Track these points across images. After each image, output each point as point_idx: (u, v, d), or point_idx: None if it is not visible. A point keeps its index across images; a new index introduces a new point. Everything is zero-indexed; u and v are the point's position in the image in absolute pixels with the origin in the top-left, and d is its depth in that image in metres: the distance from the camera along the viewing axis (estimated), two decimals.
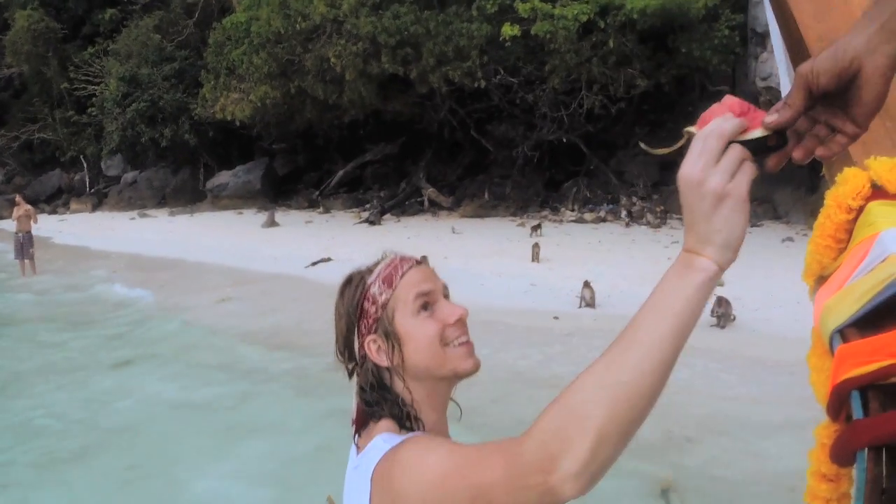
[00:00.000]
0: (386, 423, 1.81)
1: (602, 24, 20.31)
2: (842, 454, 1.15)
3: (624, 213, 22.09)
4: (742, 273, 14.01)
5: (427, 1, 23.34)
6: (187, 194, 37.61)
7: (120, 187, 41.73)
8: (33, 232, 21.73)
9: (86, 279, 20.18)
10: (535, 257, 16.48)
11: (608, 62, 21.07)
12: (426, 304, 1.82)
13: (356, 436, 1.89)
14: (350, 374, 1.89)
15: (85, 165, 43.98)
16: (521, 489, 1.34)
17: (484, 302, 13.31)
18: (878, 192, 1.30)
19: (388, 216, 26.31)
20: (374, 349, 1.81)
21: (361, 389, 1.86)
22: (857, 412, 1.13)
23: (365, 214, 26.42)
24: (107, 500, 6.69)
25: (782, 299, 11.83)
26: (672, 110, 24.44)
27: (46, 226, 24.13)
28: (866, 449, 1.07)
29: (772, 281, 13.32)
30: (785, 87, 2.01)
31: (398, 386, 1.83)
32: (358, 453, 1.83)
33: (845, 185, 1.32)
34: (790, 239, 17.62)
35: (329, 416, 7.81)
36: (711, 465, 6.75)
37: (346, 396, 1.87)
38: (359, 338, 1.85)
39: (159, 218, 33.49)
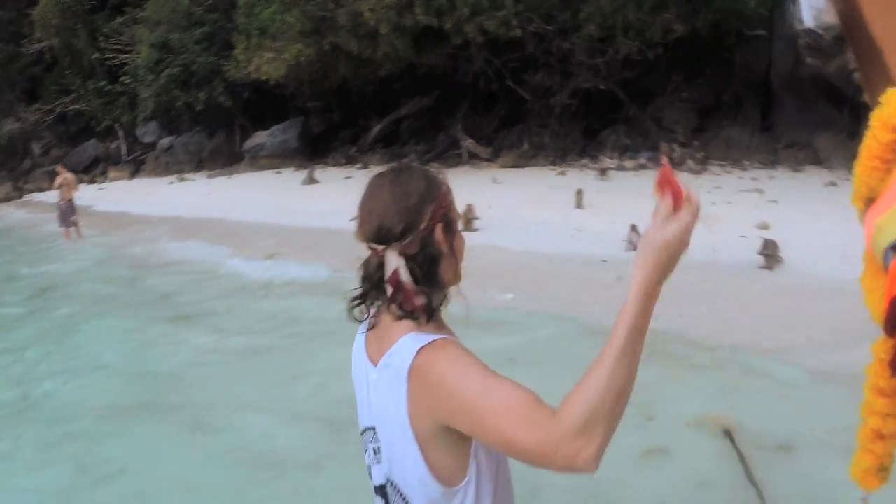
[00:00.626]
0: (407, 324, 1.99)
1: None
2: None
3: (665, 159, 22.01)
4: (787, 217, 14.02)
5: None
6: (224, 157, 37.78)
7: (156, 153, 41.96)
8: (74, 200, 22.10)
9: (130, 240, 20.47)
10: (579, 204, 16.47)
11: (644, 7, 20.92)
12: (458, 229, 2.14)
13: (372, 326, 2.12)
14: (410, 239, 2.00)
15: (120, 134, 44.25)
16: (548, 462, 1.68)
17: (532, 248, 13.40)
18: None
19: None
20: (441, 234, 2.03)
21: (412, 261, 2.00)
22: None
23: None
24: (171, 447, 6.78)
25: (829, 242, 11.78)
26: (709, 55, 24.27)
27: (86, 194, 24.37)
28: None
29: (817, 224, 13.32)
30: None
31: (443, 275, 2.07)
32: (379, 352, 2.03)
33: (890, 106, 1.35)
34: (833, 183, 17.53)
35: None
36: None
37: None
38: (429, 220, 2.02)
39: (197, 181, 33.66)
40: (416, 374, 1.88)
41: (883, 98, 1.37)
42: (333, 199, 20.49)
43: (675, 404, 6.71)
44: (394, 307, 2.02)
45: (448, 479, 1.98)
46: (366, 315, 2.17)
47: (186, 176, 35.93)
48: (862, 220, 1.42)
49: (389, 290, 2.02)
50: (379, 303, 2.11)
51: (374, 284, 2.07)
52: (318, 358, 8.67)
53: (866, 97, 1.56)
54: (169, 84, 35.69)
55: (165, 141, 41.72)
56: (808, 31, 19.07)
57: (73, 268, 17.83)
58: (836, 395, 6.43)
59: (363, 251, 2.06)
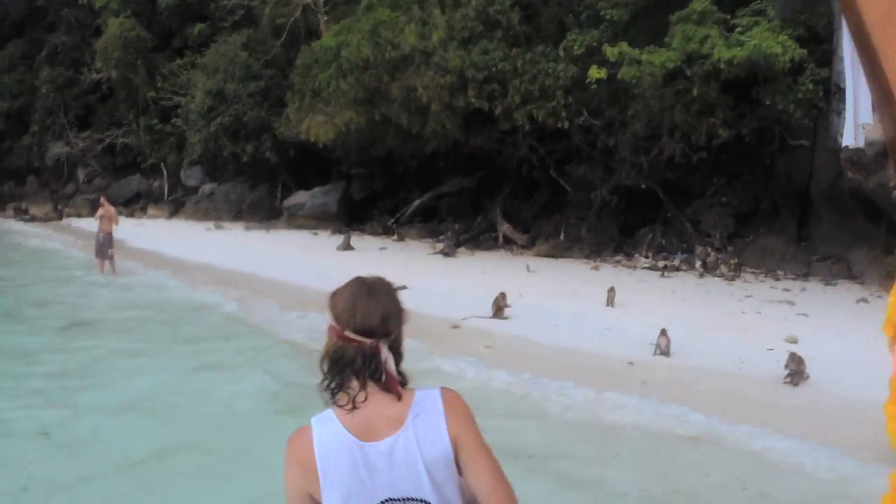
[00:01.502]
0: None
1: (688, 72, 20.35)
2: None
3: (698, 263, 22.03)
4: (816, 331, 14.01)
5: (515, 39, 23.65)
6: (263, 211, 38.10)
7: (197, 197, 42.36)
8: (113, 234, 22.47)
9: (161, 282, 20.88)
10: (611, 302, 16.58)
11: (691, 110, 21.08)
12: None
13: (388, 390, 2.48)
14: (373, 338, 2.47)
15: (165, 173, 44.79)
16: None
17: (559, 342, 13.50)
18: None
19: (461, 249, 26.46)
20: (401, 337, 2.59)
21: (395, 354, 2.54)
22: None
23: (439, 245, 26.59)
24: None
25: (856, 360, 11.81)
26: (750, 161, 24.34)
27: (123, 228, 24.74)
28: None
29: (846, 341, 13.27)
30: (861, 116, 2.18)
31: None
32: (396, 425, 2.43)
33: None
34: (864, 300, 17.44)
35: None
36: None
37: None
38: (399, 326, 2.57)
39: (234, 231, 33.98)
40: (447, 407, 2.48)
41: None
42: (367, 268, 20.44)
43: None
44: (379, 388, 2.46)
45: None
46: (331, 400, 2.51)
47: (224, 224, 36.24)
48: (891, 348, 1.55)
49: (383, 376, 2.46)
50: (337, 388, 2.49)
51: (355, 371, 2.46)
52: None
53: None
54: (218, 132, 36.21)
55: (208, 187, 42.13)
56: (848, 146, 19.02)
57: (99, 300, 18.27)
58: None
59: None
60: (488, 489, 2.41)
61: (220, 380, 11.23)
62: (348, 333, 2.46)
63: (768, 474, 7.82)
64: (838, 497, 7.31)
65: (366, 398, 2.43)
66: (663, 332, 12.68)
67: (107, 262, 22.22)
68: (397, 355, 2.54)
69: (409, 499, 2.42)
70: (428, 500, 2.41)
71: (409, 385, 2.55)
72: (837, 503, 7.22)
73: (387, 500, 2.42)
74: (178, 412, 9.76)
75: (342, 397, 2.46)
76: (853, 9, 1.81)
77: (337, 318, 2.52)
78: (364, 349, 2.44)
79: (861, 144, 2.19)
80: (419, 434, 2.41)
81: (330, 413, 2.48)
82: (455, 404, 2.48)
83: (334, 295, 2.59)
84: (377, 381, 2.45)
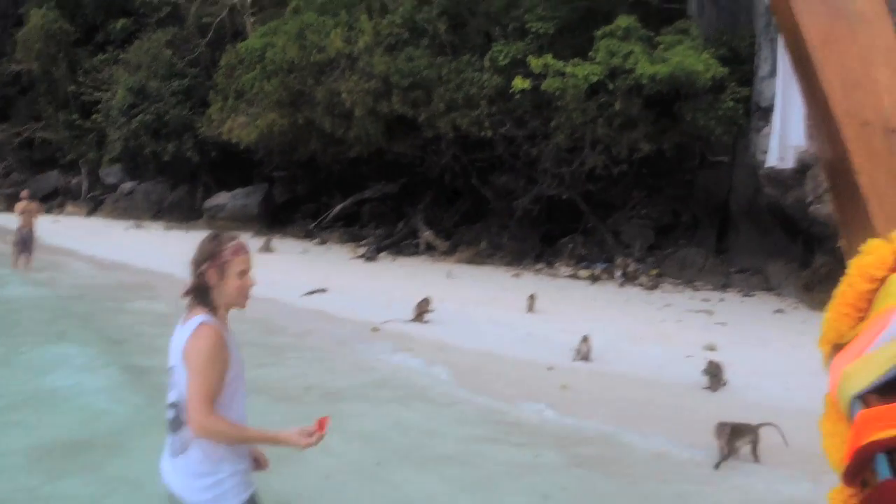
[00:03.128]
0: (200, 310, 3.68)
1: (611, 86, 20.63)
2: None
3: (619, 272, 22.27)
4: (734, 340, 14.26)
5: (441, 47, 23.74)
6: (183, 211, 37.72)
7: (116, 196, 41.82)
8: (35, 230, 22.12)
9: (74, 278, 20.69)
10: (531, 308, 16.68)
11: (613, 124, 21.35)
12: (242, 273, 3.71)
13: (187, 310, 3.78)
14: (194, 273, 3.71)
15: (84, 170, 44.16)
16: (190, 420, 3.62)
17: (479, 347, 13.52)
18: None
19: (383, 254, 26.46)
20: (213, 274, 3.66)
21: (196, 285, 3.72)
22: (883, 473, 1.24)
23: (361, 250, 26.57)
24: None
25: (773, 369, 12.04)
26: (671, 176, 24.70)
27: (41, 225, 24.11)
28: None
29: (763, 350, 13.58)
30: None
31: (213, 293, 3.70)
32: (184, 322, 3.71)
33: (869, 256, 1.44)
34: (781, 311, 17.82)
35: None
36: None
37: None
38: (204, 265, 3.67)
39: (154, 231, 33.59)
40: (192, 334, 3.63)
41: (863, 247, 1.46)
42: (286, 270, 20.54)
43: None
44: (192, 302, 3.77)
45: None
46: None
47: (143, 224, 35.79)
48: (827, 365, 1.54)
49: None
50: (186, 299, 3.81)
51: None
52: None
53: (842, 243, 1.65)
54: (139, 130, 35.77)
55: (127, 185, 41.54)
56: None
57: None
58: None
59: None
60: (188, 405, 3.61)
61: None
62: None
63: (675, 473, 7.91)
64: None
65: (188, 309, 3.79)
66: (585, 339, 12.78)
67: (23, 257, 21.81)
68: (201, 289, 3.72)
69: (171, 366, 3.75)
70: (174, 367, 3.72)
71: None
72: None
73: (169, 367, 3.78)
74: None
75: None
76: (792, 28, 1.81)
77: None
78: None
79: (789, 165, 2.20)
80: (178, 342, 3.70)
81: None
82: (193, 336, 3.62)
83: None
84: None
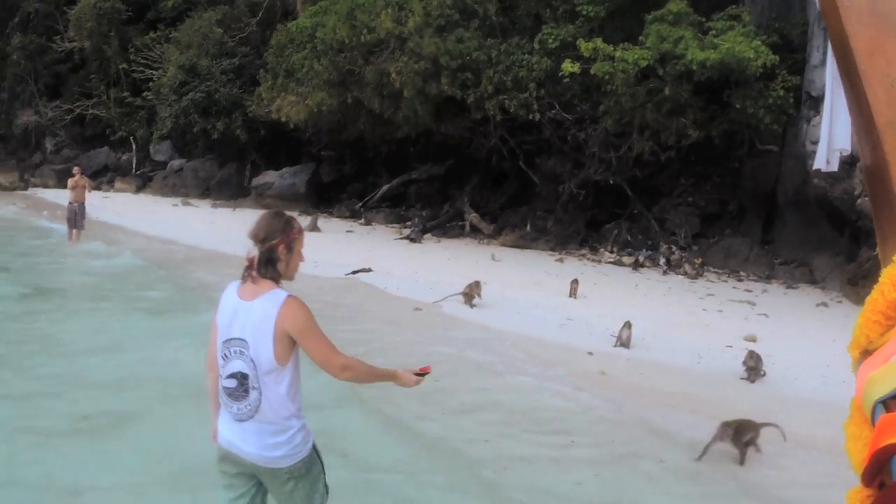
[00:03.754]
0: (271, 284, 4.09)
1: (660, 72, 20.47)
2: None
3: (662, 260, 22.17)
4: (775, 332, 14.16)
5: (490, 29, 23.67)
6: (231, 189, 37.91)
7: (165, 173, 42.17)
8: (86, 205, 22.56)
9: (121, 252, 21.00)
10: (573, 293, 16.66)
11: (662, 109, 21.22)
12: (301, 250, 4.24)
13: (242, 284, 4.17)
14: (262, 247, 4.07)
15: (134, 147, 44.47)
16: (327, 368, 4.15)
17: (521, 330, 13.56)
18: None
19: (428, 236, 26.47)
20: (282, 249, 4.09)
21: (266, 259, 4.06)
22: None
23: (406, 231, 26.62)
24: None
25: (813, 362, 11.96)
26: (719, 164, 24.53)
27: (90, 200, 24.31)
28: None
29: (804, 343, 13.47)
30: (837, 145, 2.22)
31: (280, 266, 4.11)
32: (255, 296, 4.06)
33: None
34: (824, 304, 17.64)
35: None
36: None
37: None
38: (275, 239, 4.06)
39: (201, 208, 33.84)
40: (283, 312, 4.00)
41: None
42: (332, 249, 20.63)
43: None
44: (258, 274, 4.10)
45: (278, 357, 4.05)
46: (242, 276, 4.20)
47: (191, 201, 36.08)
48: (856, 369, 1.54)
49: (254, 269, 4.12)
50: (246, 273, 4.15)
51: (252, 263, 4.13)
52: None
53: (878, 251, 1.73)
54: (189, 107, 35.95)
55: (177, 163, 41.89)
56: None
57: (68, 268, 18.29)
58: None
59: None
60: (318, 360, 4.08)
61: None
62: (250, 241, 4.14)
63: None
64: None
65: (247, 280, 4.15)
66: (627, 325, 12.76)
67: (75, 232, 22.23)
68: (270, 260, 4.07)
69: (238, 338, 4.09)
70: (246, 340, 4.05)
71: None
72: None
73: (232, 339, 4.12)
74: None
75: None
76: (840, 35, 1.84)
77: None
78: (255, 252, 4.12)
79: (834, 169, 2.22)
80: (258, 320, 4.02)
81: (236, 283, 4.22)
82: (283, 312, 4.00)
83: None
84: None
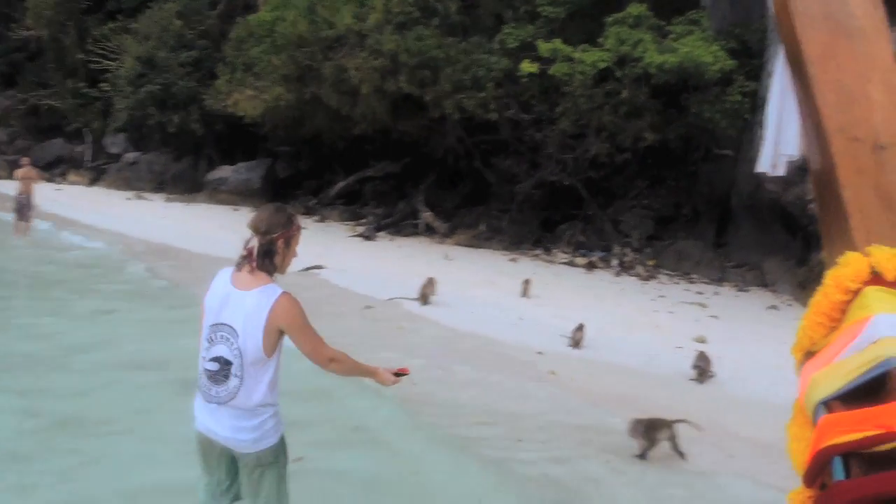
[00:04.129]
0: (266, 276, 4.19)
1: (619, 74, 20.56)
2: None
3: (616, 261, 22.26)
4: (725, 334, 14.25)
5: (451, 28, 23.64)
6: (186, 183, 37.50)
7: (120, 165, 41.64)
8: (33, 197, 21.99)
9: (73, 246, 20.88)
10: (526, 293, 16.67)
11: (619, 112, 21.30)
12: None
13: (235, 271, 4.24)
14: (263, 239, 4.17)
15: (88, 139, 43.91)
16: (315, 361, 4.31)
17: (472, 328, 13.51)
18: (875, 277, 1.47)
19: (382, 233, 26.47)
20: (281, 244, 4.22)
21: (264, 251, 4.16)
22: (838, 475, 1.29)
23: (360, 228, 26.58)
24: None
25: (763, 364, 12.03)
26: (675, 167, 24.66)
27: (42, 192, 23.86)
28: None
29: (754, 345, 13.58)
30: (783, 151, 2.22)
31: (277, 259, 4.22)
32: (250, 287, 4.14)
33: (846, 268, 1.49)
34: (775, 307, 17.83)
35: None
36: None
37: None
38: (276, 233, 4.18)
39: (155, 202, 33.50)
40: (275, 308, 4.09)
41: (841, 259, 1.50)
42: None
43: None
44: (252, 262, 4.19)
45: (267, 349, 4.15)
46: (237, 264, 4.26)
47: (145, 195, 35.69)
48: (798, 371, 1.57)
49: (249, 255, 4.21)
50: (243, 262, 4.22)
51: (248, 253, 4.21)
52: None
53: (824, 254, 1.72)
54: (146, 100, 35.62)
55: (131, 155, 41.39)
56: None
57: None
58: None
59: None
60: (307, 352, 4.24)
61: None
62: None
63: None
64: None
65: (243, 269, 4.22)
66: (580, 327, 12.77)
67: (23, 224, 21.73)
68: (269, 253, 4.19)
69: (225, 324, 4.17)
70: (235, 328, 4.13)
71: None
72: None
73: (219, 325, 4.21)
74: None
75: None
76: (792, 39, 1.85)
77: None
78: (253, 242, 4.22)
79: (780, 173, 2.23)
80: (251, 310, 4.11)
81: (228, 269, 4.31)
82: (276, 308, 4.10)
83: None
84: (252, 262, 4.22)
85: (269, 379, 4.22)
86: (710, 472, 7.73)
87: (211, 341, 4.24)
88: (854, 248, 1.53)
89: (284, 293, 4.15)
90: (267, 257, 4.18)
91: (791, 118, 2.16)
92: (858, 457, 1.27)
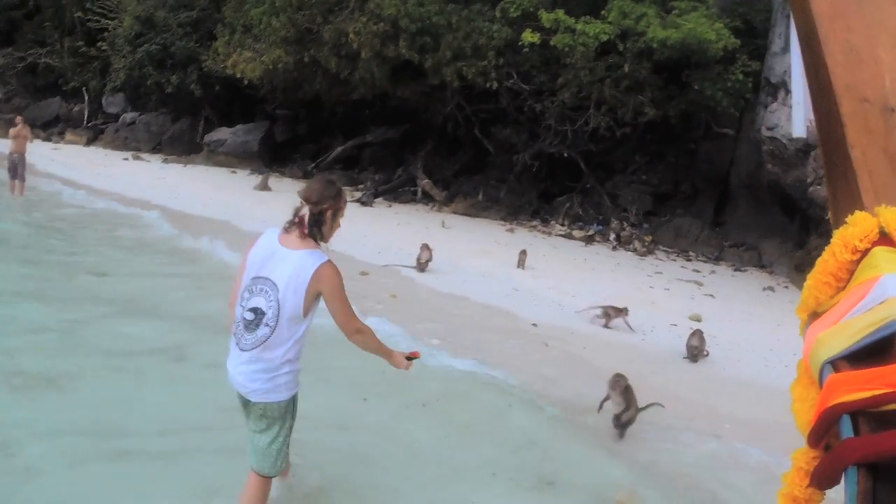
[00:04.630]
0: (313, 242, 4.67)
1: (621, 48, 20.41)
2: (829, 473, 1.27)
3: (613, 236, 22.19)
4: (720, 313, 14.22)
5: None
6: (183, 144, 37.51)
7: (117, 126, 41.61)
8: (26, 155, 22.04)
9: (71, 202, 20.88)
10: (521, 264, 16.61)
11: (620, 85, 21.17)
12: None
13: (285, 231, 4.75)
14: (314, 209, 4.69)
15: (86, 98, 43.85)
16: (344, 330, 4.80)
17: (466, 297, 13.48)
18: (884, 238, 1.42)
19: (380, 199, 26.36)
20: (330, 214, 4.72)
21: (314, 220, 4.66)
22: (846, 433, 1.24)
23: (358, 194, 26.44)
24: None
25: (757, 344, 12.01)
26: (674, 143, 24.57)
27: (38, 150, 23.68)
28: (857, 467, 1.19)
29: (748, 325, 13.53)
30: (798, 124, 2.17)
31: (325, 228, 4.72)
32: (298, 248, 4.61)
33: (854, 227, 1.45)
34: (771, 289, 17.76)
35: None
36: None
37: None
38: (326, 204, 4.68)
39: (152, 163, 33.44)
40: (318, 272, 4.54)
41: (849, 219, 1.46)
42: (282, 209, 20.37)
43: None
44: (302, 228, 4.68)
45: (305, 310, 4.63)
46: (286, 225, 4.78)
47: (142, 155, 35.65)
48: (803, 331, 1.53)
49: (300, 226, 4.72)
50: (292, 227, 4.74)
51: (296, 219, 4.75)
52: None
53: (830, 216, 1.70)
54: (144, 59, 35.50)
55: (129, 116, 41.35)
56: (773, 139, 19.36)
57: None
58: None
59: None
60: (339, 320, 4.70)
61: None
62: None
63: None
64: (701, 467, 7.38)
65: (291, 231, 4.73)
66: (617, 310, 12.58)
67: (17, 183, 21.75)
68: (318, 222, 4.68)
69: (267, 278, 4.62)
70: (276, 283, 4.59)
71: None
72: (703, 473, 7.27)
73: (260, 278, 4.66)
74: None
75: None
76: None
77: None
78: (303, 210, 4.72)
79: (808, 136, 2.21)
80: (296, 269, 4.56)
81: (275, 229, 4.81)
82: (320, 272, 4.56)
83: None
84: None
85: (297, 337, 4.68)
86: (698, 450, 7.70)
87: (251, 293, 4.68)
88: (862, 209, 1.49)
89: (329, 261, 4.63)
90: (316, 226, 4.68)
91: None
92: (867, 415, 1.23)
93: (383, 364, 5.15)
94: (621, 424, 7.76)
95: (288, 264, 4.59)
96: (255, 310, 4.64)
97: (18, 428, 6.61)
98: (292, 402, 4.88)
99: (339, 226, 4.85)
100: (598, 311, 12.70)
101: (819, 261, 1.50)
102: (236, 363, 4.74)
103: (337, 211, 4.77)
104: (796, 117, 2.22)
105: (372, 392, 8.12)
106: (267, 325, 4.59)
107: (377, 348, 4.93)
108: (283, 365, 4.67)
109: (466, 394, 8.51)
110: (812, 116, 2.06)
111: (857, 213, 1.47)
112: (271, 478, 5.02)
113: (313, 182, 4.89)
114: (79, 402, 7.30)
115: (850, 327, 1.34)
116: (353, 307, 4.85)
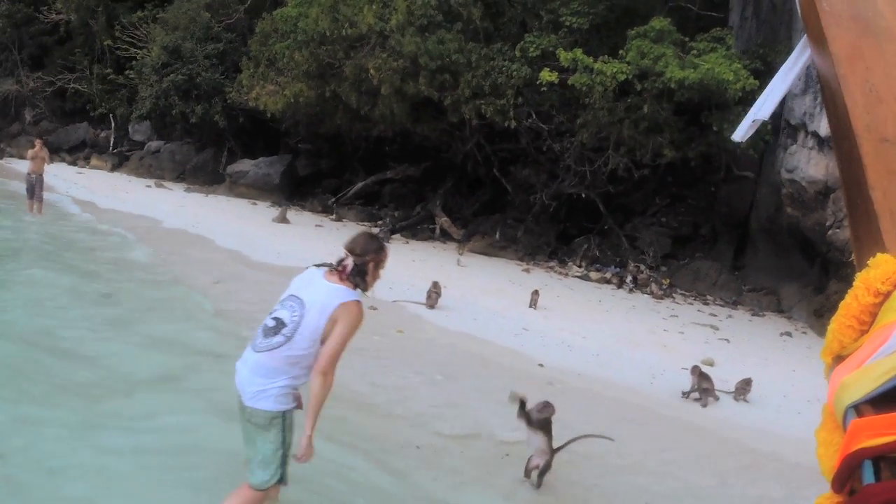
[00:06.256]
0: (350, 284, 5.03)
1: (639, 88, 20.38)
2: None
3: (629, 278, 22.06)
4: (734, 358, 14.09)
5: (474, 33, 23.50)
6: (206, 174, 37.73)
7: (142, 153, 41.96)
8: (44, 176, 22.45)
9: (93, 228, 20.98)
10: (534, 304, 16.54)
11: (640, 127, 21.13)
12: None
13: (329, 271, 5.14)
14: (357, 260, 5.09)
15: (113, 124, 44.34)
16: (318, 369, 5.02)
17: (473, 335, 13.41)
18: None
19: (397, 236, 26.42)
20: (372, 266, 5.15)
21: (358, 270, 5.05)
22: (868, 479, 1.24)
23: (376, 230, 26.52)
24: None
25: (770, 391, 11.89)
26: (694, 186, 24.50)
27: (63, 173, 23.82)
28: None
29: (762, 371, 13.35)
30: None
31: (368, 278, 5.16)
32: (337, 283, 5.02)
33: (876, 270, 1.44)
34: (788, 334, 17.62)
35: None
36: None
37: None
38: (368, 256, 5.12)
39: (175, 191, 33.64)
40: (341, 305, 4.90)
41: (871, 261, 1.45)
42: (298, 242, 20.52)
43: None
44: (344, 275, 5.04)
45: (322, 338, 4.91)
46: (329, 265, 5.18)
47: (165, 183, 35.85)
48: (828, 375, 1.51)
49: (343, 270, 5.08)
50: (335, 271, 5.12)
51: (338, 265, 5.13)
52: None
53: (854, 258, 1.68)
54: (170, 89, 35.76)
55: (154, 144, 41.71)
56: (792, 182, 19.30)
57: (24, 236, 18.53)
58: None
59: None
60: (324, 350, 4.89)
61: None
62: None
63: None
64: None
65: (331, 272, 5.11)
66: (700, 373, 11.51)
67: (35, 203, 22.10)
68: (361, 272, 5.08)
69: (297, 297, 5.01)
70: (304, 301, 4.95)
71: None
72: None
73: (291, 296, 5.08)
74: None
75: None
76: (819, 39, 1.86)
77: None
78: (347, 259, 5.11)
79: (745, 138, 2.19)
80: (328, 295, 4.94)
81: (322, 269, 5.19)
82: (349, 305, 4.94)
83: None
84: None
85: (306, 356, 4.94)
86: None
87: (280, 306, 5.09)
88: (884, 251, 1.51)
89: (360, 301, 5.04)
90: (359, 275, 5.09)
91: (778, 92, 2.17)
92: (889, 460, 1.24)
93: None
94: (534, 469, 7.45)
95: (321, 289, 5.00)
96: (277, 319, 5.00)
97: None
98: (282, 420, 5.02)
99: (379, 276, 5.24)
100: (693, 381, 11.35)
101: (842, 304, 1.50)
102: (243, 364, 5.08)
103: (378, 263, 5.19)
104: (744, 121, 2.27)
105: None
106: (284, 335, 4.90)
107: (317, 406, 4.98)
108: (281, 377, 4.92)
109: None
110: (760, 117, 2.09)
111: (879, 255, 1.48)
112: (258, 491, 5.14)
113: (358, 235, 5.31)
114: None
115: (873, 371, 1.33)
116: (354, 341, 5.11)
